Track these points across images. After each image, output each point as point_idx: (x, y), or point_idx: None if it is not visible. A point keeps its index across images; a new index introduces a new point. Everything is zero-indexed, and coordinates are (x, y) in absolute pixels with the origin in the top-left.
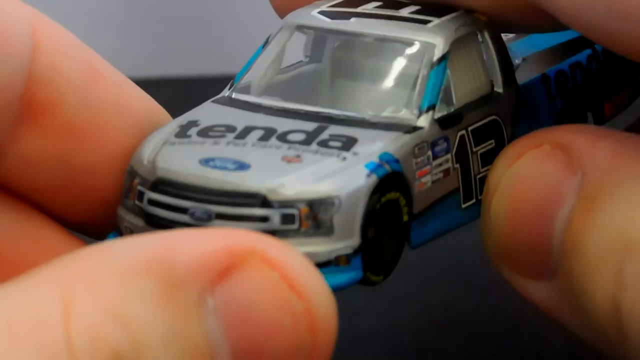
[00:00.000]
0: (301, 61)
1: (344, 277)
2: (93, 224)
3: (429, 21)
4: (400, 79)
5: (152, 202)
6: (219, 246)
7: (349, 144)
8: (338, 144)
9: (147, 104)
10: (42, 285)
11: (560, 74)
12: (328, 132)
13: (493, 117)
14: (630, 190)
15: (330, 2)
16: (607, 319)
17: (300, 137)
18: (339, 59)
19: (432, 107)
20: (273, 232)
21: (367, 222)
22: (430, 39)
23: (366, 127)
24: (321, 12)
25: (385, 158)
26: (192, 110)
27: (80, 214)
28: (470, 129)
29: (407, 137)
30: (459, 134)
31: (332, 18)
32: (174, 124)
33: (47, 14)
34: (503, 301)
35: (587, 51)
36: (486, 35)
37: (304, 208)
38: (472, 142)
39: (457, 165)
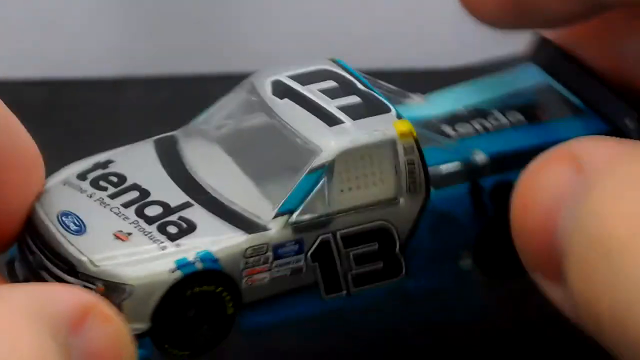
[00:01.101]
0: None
1: None
2: None
3: (341, 122)
4: (282, 174)
5: (21, 238)
6: (72, 301)
7: (184, 232)
8: (174, 230)
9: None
10: None
11: (502, 186)
12: (182, 213)
13: (381, 222)
14: (617, 179)
15: (297, 69)
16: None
17: (156, 212)
18: (258, 133)
19: (289, 212)
20: None
21: (172, 308)
22: (322, 143)
23: (220, 216)
24: (274, 82)
25: (202, 256)
26: (124, 147)
27: None
28: (340, 232)
29: (243, 238)
30: (322, 237)
31: (273, 91)
32: (93, 160)
33: (45, 13)
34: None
35: None
36: (399, 144)
37: (101, 287)
38: (340, 245)
39: (315, 264)
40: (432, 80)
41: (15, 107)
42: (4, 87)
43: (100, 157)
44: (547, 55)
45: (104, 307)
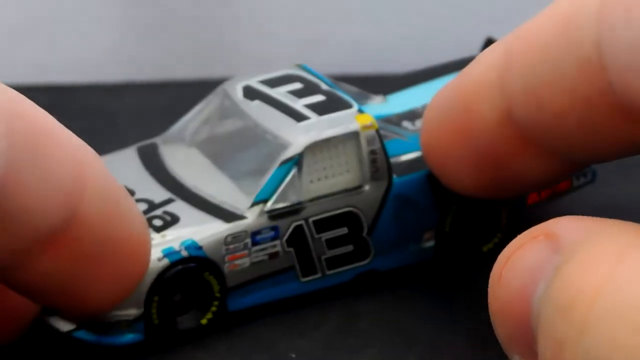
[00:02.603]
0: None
1: (125, 337)
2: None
3: (308, 118)
4: (256, 169)
5: None
6: None
7: (169, 224)
8: (159, 223)
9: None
10: None
11: None
12: (165, 208)
13: (349, 208)
14: (585, 253)
15: (266, 75)
16: None
17: (141, 208)
18: (232, 135)
19: (264, 201)
20: None
21: (162, 292)
22: (291, 137)
23: (201, 208)
24: (245, 87)
25: (186, 244)
26: (110, 154)
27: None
28: (312, 219)
29: (223, 227)
30: (295, 224)
31: (245, 95)
32: None
33: (46, 19)
34: None
35: None
36: (361, 136)
37: None
38: (312, 230)
39: (290, 249)
40: None
41: None
42: None
43: None
44: None
45: None
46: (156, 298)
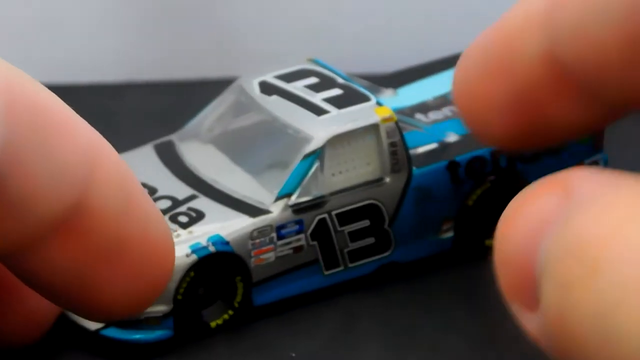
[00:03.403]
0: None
1: (154, 334)
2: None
3: (328, 112)
4: (277, 163)
5: None
6: None
7: (194, 220)
8: (185, 219)
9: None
10: None
11: (476, 160)
12: (190, 204)
13: (370, 201)
14: (600, 204)
15: (281, 70)
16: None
17: (165, 205)
18: (249, 130)
19: (287, 195)
20: None
21: (191, 287)
22: (312, 131)
23: (225, 204)
24: (261, 82)
25: (214, 240)
26: (125, 153)
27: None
28: (335, 212)
29: (249, 221)
30: (318, 217)
31: (262, 90)
32: None
33: (46, 19)
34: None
35: None
36: (381, 128)
37: None
38: (336, 223)
39: (314, 243)
40: None
41: None
42: None
43: None
44: None
45: None
46: (182, 291)
